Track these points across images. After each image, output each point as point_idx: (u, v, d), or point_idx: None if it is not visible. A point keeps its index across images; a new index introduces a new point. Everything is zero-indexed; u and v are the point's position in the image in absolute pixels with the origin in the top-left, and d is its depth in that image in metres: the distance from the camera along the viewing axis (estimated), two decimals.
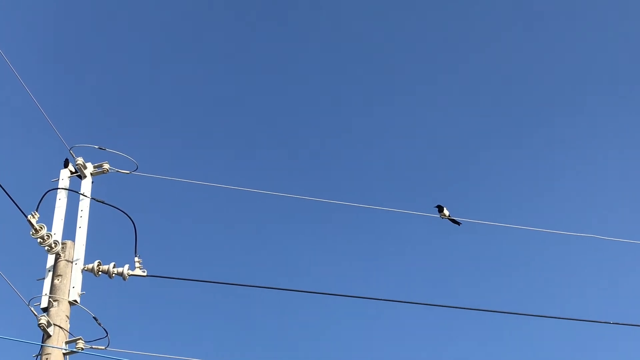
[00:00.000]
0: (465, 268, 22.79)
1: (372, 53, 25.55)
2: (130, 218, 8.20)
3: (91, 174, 8.79)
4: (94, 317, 7.67)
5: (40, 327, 7.40)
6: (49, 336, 7.40)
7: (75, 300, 7.70)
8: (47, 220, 8.06)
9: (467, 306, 8.99)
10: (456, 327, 21.29)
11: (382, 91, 25.47)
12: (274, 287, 8.46)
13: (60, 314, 7.56)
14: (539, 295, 21.97)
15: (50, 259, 7.97)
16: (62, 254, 7.93)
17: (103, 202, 8.42)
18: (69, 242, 8.07)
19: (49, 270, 7.90)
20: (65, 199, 8.46)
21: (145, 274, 8.06)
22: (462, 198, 23.38)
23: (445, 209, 10.45)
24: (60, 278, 7.77)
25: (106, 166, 8.86)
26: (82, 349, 7.51)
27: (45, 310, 7.61)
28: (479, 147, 25.08)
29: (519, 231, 11.22)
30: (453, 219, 10.58)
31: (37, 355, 7.35)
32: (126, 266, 8.06)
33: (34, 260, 8.08)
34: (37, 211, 7.82)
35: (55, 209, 8.33)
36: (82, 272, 7.92)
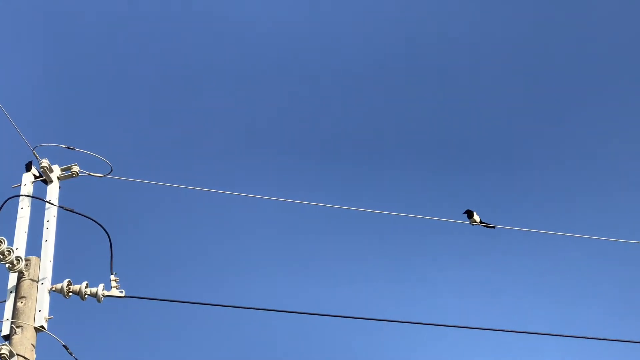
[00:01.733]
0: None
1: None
2: (104, 229, 7.64)
3: (58, 177, 8.13)
4: (64, 346, 7.13)
5: (1, 358, 6.78)
6: None
7: (42, 326, 7.11)
8: (8, 233, 7.53)
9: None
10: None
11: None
12: (269, 308, 7.80)
13: (25, 342, 6.99)
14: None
15: (12, 279, 7.36)
16: (25, 272, 7.32)
17: (72, 211, 7.81)
18: (33, 259, 7.43)
19: (11, 292, 7.31)
20: (29, 208, 7.83)
21: (123, 294, 7.48)
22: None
23: (475, 213, 9.87)
24: (24, 300, 7.19)
25: (76, 169, 8.19)
26: None
27: (7, 338, 7.05)
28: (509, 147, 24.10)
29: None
30: (486, 224, 9.97)
31: None
32: (101, 286, 7.46)
33: None
34: None
35: (17, 219, 7.72)
36: (49, 293, 7.31)
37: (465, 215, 9.94)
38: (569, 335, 8.63)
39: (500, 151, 23.96)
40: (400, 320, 7.94)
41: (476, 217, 9.91)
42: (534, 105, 24.47)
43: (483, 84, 24.64)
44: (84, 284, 7.42)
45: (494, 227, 10.02)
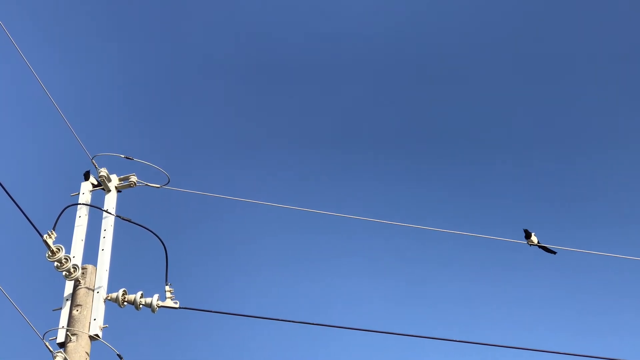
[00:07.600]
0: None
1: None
2: (160, 240, 7.46)
3: (116, 187, 8.09)
4: (118, 355, 7.00)
5: None
6: None
7: (97, 335, 7.00)
8: (66, 241, 7.38)
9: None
10: None
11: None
12: (328, 324, 7.58)
13: (79, 350, 6.89)
14: None
15: (69, 286, 7.27)
16: (82, 281, 7.22)
17: (129, 221, 7.68)
18: (90, 267, 7.34)
19: (67, 299, 7.21)
20: (86, 217, 7.76)
21: (177, 305, 7.34)
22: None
23: (533, 235, 9.30)
24: (79, 308, 7.09)
25: (133, 179, 8.13)
26: None
27: (62, 345, 6.93)
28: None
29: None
30: (545, 247, 9.39)
31: None
32: (155, 296, 7.33)
33: (49, 287, 7.51)
34: (54, 230, 7.10)
35: (75, 227, 7.62)
36: (104, 302, 7.22)
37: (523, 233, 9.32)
38: None
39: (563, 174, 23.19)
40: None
41: (534, 238, 9.27)
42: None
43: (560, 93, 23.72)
44: (139, 293, 7.31)
45: (554, 253, 9.29)
